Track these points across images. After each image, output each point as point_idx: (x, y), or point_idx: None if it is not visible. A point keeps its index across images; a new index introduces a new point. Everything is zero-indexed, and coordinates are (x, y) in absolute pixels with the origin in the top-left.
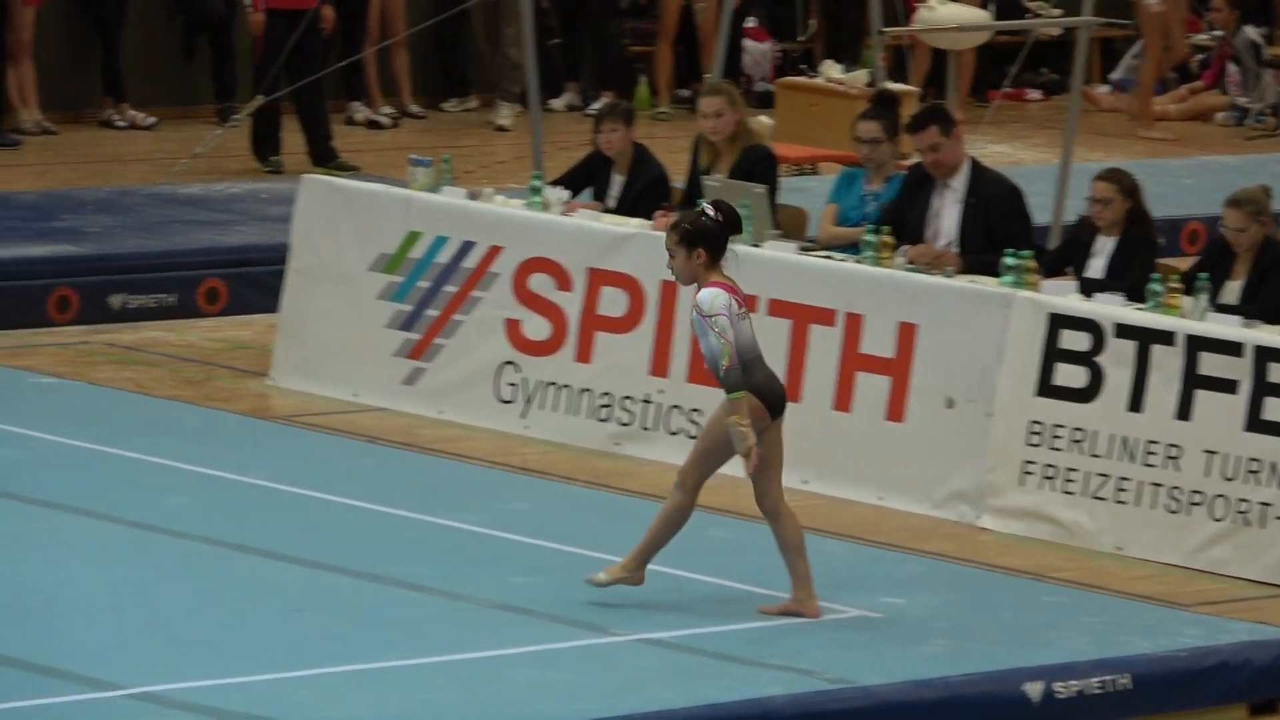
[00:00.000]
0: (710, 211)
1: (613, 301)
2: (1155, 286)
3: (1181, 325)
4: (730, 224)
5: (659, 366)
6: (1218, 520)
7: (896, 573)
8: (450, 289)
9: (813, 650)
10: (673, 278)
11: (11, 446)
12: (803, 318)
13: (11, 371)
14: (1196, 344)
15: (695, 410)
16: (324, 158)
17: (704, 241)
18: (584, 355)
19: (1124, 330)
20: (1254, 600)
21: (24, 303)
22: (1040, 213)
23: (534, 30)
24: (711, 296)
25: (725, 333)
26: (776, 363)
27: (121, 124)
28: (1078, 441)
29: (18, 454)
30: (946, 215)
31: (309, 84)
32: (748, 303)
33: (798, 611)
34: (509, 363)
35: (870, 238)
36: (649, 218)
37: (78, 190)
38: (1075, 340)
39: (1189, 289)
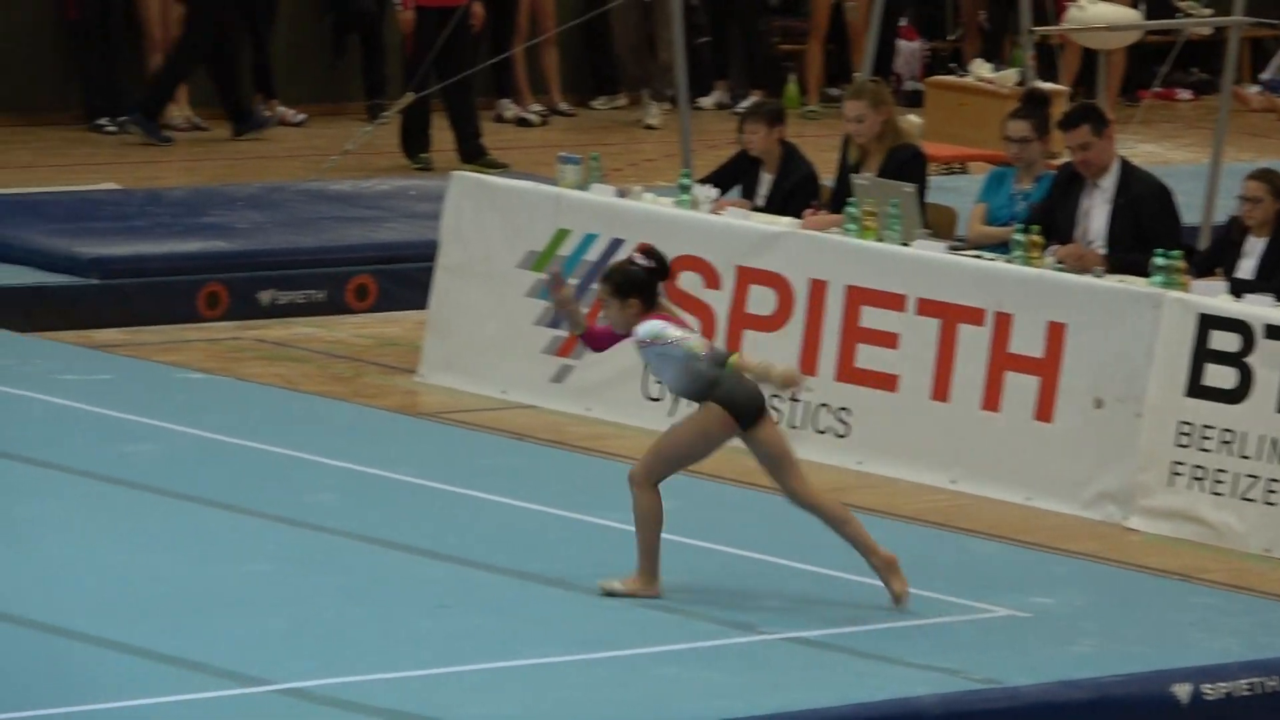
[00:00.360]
0: (639, 260)
1: (761, 300)
2: None
3: None
4: (659, 270)
5: (807, 365)
6: None
7: (1044, 573)
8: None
9: (960, 650)
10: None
11: (160, 441)
12: (952, 317)
13: (161, 367)
14: None
15: (843, 409)
16: (473, 155)
17: (635, 290)
18: None
19: (1274, 331)
20: None
21: (174, 298)
22: (1190, 213)
23: (683, 28)
24: (647, 326)
25: (680, 340)
26: (925, 362)
27: (271, 120)
28: (1227, 443)
29: (167, 449)
30: (1096, 215)
31: (458, 81)
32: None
33: (886, 570)
34: None
35: (1019, 237)
36: (798, 216)
37: (228, 186)
38: (1225, 341)
39: None
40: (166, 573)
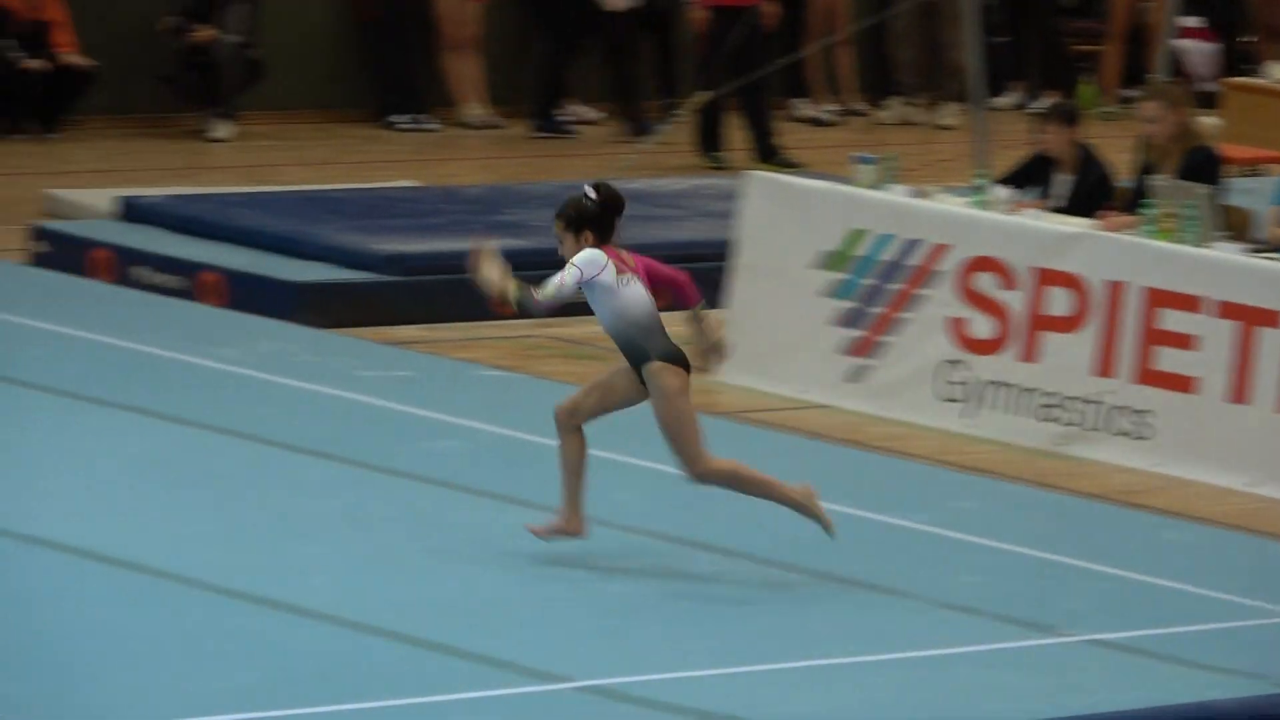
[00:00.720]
0: (591, 194)
1: (1058, 301)
2: None
3: None
4: (611, 204)
5: (1105, 367)
6: None
7: None
8: (894, 287)
9: (1261, 653)
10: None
11: (458, 438)
12: (1250, 319)
13: (458, 363)
14: None
15: (1141, 411)
16: (768, 154)
17: (589, 224)
18: (1029, 354)
19: None
20: None
21: (469, 295)
22: None
23: (979, 28)
24: (587, 253)
25: (567, 283)
26: (1223, 365)
27: (567, 119)
28: None
29: (465, 446)
30: None
31: (753, 80)
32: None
33: (565, 529)
34: (953, 361)
35: None
36: (1093, 217)
37: (523, 184)
38: None
39: None
40: (468, 570)
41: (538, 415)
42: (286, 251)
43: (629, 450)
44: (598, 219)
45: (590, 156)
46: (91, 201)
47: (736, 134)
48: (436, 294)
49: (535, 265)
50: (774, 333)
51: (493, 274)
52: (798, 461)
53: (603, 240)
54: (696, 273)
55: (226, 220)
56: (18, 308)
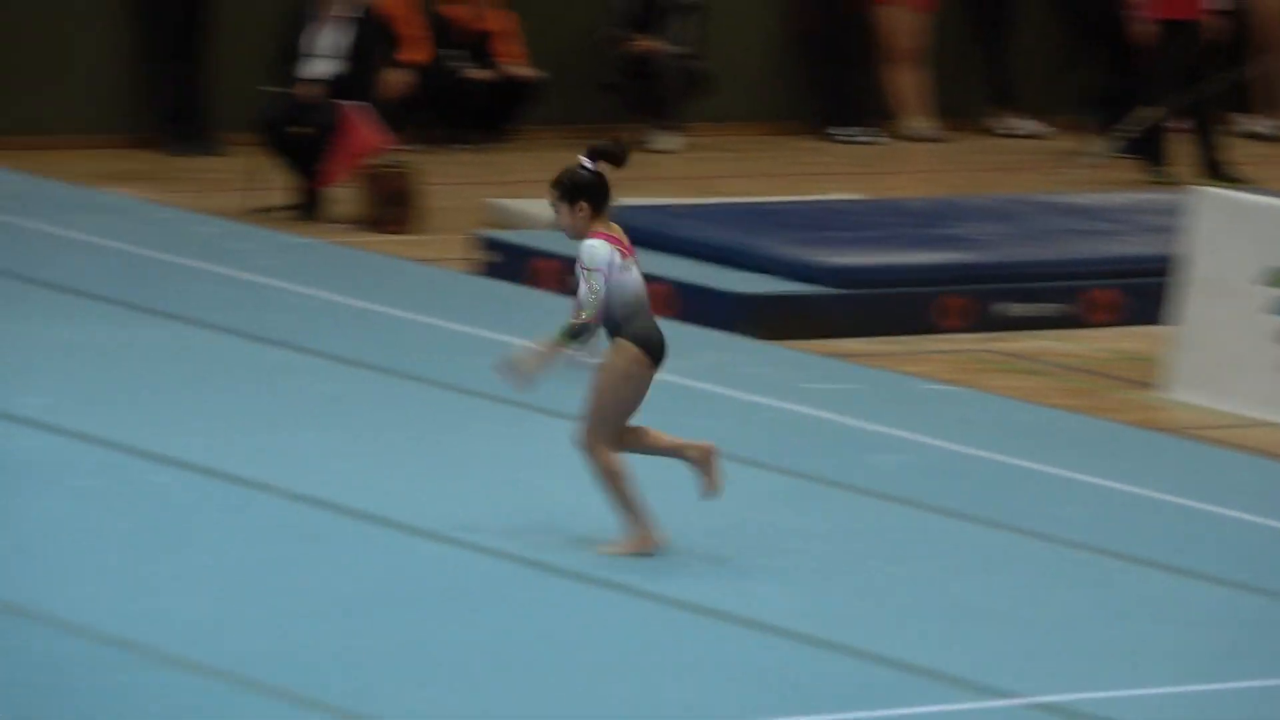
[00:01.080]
0: (588, 164)
1: None
2: None
3: None
4: (615, 160)
5: None
6: None
7: None
8: None
9: None
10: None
11: (904, 452)
12: None
13: (902, 377)
14: None
15: None
16: (1214, 169)
17: (584, 194)
18: None
19: None
20: None
21: (913, 309)
22: None
23: None
24: (592, 249)
25: (598, 291)
26: None
27: (1012, 132)
28: None
29: (910, 460)
30: None
31: (1199, 95)
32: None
33: (702, 461)
34: None
35: None
36: None
37: (965, 198)
38: None
39: None
40: (910, 584)
41: (984, 430)
42: (729, 263)
43: (1071, 465)
44: (594, 189)
45: (1031, 170)
46: (535, 211)
47: (1182, 149)
48: (881, 307)
49: (978, 279)
50: (1222, 349)
51: (537, 359)
52: (1244, 480)
53: (598, 210)
54: (1139, 288)
55: (670, 231)
56: (462, 316)
